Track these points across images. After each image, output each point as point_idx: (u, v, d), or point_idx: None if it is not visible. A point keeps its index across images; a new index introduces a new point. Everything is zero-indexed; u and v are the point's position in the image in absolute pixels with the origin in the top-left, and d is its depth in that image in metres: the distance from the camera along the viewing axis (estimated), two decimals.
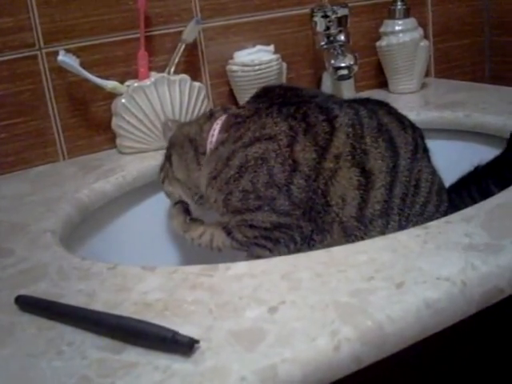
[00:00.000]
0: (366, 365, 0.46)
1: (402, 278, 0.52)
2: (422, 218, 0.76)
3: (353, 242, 0.72)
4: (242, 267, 0.58)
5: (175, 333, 0.45)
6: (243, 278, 0.55)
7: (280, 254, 0.74)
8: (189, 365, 0.43)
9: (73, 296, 0.56)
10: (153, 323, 0.47)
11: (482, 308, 0.52)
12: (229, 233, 0.76)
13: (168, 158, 0.86)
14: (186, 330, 0.46)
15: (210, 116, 0.83)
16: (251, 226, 0.74)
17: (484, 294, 0.51)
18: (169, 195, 0.87)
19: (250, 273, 0.56)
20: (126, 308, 0.52)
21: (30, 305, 0.54)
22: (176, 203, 0.85)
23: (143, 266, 0.60)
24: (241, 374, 0.42)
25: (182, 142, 0.84)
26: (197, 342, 0.45)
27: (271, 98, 0.80)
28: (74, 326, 0.50)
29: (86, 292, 0.56)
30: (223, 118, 0.81)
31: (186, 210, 0.83)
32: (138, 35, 1.05)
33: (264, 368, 0.43)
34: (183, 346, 0.44)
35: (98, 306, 0.53)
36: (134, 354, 0.45)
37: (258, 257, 0.79)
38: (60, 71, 1.00)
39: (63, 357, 0.46)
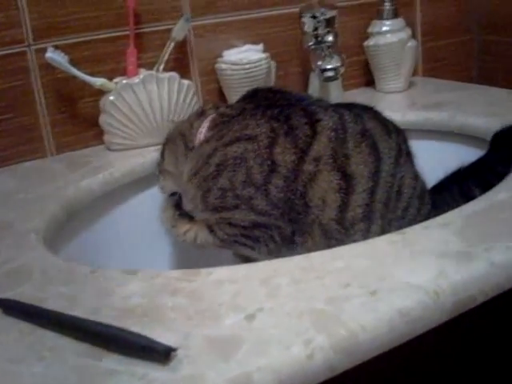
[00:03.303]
0: (339, 372, 0.47)
1: (376, 286, 0.54)
2: (404, 221, 0.78)
3: (334, 244, 0.73)
4: (223, 272, 0.59)
5: (152, 341, 0.46)
6: (224, 284, 0.57)
7: (261, 253, 0.76)
8: (166, 373, 0.45)
9: (55, 299, 0.57)
10: (131, 331, 0.48)
11: (454, 316, 0.54)
12: (211, 230, 0.78)
13: (162, 152, 0.88)
14: (164, 336, 0.48)
15: (201, 113, 0.85)
16: (230, 224, 0.75)
17: (456, 303, 0.53)
18: (162, 189, 0.88)
19: (231, 278, 0.58)
20: (107, 313, 0.53)
21: (12, 309, 0.55)
22: (170, 195, 0.86)
23: (125, 270, 0.61)
24: (216, 383, 0.43)
25: (175, 137, 0.86)
26: (174, 350, 0.46)
27: (259, 99, 0.82)
28: (56, 332, 0.51)
29: (69, 296, 0.57)
30: (213, 115, 0.82)
31: (177, 205, 0.84)
32: (127, 32, 1.05)
33: (239, 376, 0.44)
34: (160, 354, 0.45)
35: (80, 310, 0.54)
36: (112, 361, 0.46)
37: (242, 255, 0.82)
38: (49, 68, 1.00)
39: (44, 362, 0.48)
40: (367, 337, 0.48)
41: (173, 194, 0.85)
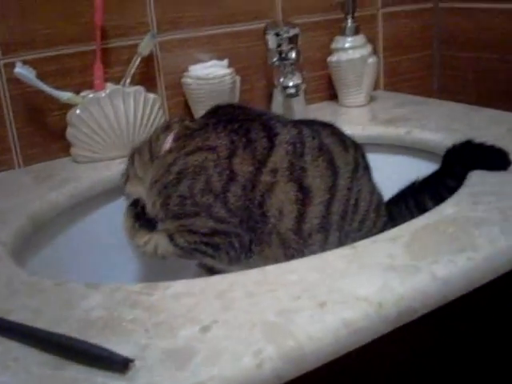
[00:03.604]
0: (286, 381, 0.51)
1: (325, 298, 0.57)
2: (361, 233, 0.81)
3: (292, 253, 0.77)
4: (180, 286, 0.62)
5: (112, 353, 0.49)
6: (181, 297, 0.59)
7: (222, 262, 0.79)
8: (124, 382, 0.47)
9: (20, 311, 0.59)
10: (92, 343, 0.51)
11: (397, 326, 0.57)
12: (171, 239, 0.79)
13: (131, 157, 0.89)
14: (123, 348, 0.51)
15: (167, 127, 0.87)
16: (190, 231, 0.77)
17: (399, 314, 0.57)
18: (129, 197, 0.89)
19: (188, 292, 0.60)
20: (70, 325, 0.56)
21: None
22: (130, 204, 0.87)
23: (88, 283, 0.63)
24: None
25: (143, 145, 0.88)
26: (131, 361, 0.49)
27: (220, 114, 0.85)
28: (20, 343, 0.54)
29: (33, 308, 0.60)
30: (177, 130, 0.85)
31: (137, 215, 0.85)
32: (94, 47, 1.07)
33: None
34: (118, 364, 0.48)
35: (44, 322, 0.56)
36: (74, 371, 0.49)
37: (207, 266, 0.84)
38: (17, 82, 1.02)
39: (9, 372, 0.50)
40: (313, 347, 0.51)
41: (133, 203, 0.86)
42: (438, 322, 0.68)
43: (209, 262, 0.81)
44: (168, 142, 0.83)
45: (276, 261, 0.76)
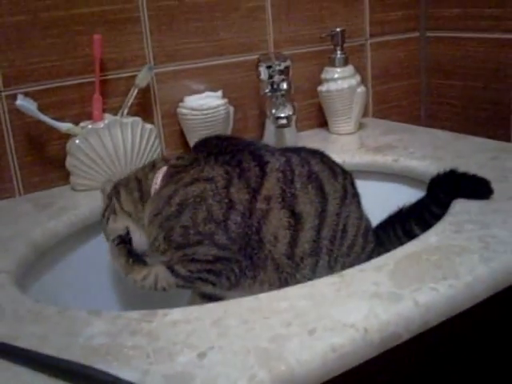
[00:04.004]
0: None
1: (314, 325, 0.61)
2: (349, 258, 0.85)
3: (285, 277, 0.80)
4: (178, 313, 0.65)
5: (116, 377, 0.53)
6: (178, 324, 0.63)
7: (222, 287, 0.81)
8: None
9: (27, 338, 0.62)
10: (97, 368, 0.54)
11: (382, 351, 0.61)
12: (172, 270, 0.81)
13: (116, 193, 0.90)
14: (125, 373, 0.54)
15: (153, 166, 0.90)
16: (193, 260, 0.80)
17: (383, 339, 0.60)
18: (111, 234, 0.89)
19: (185, 319, 0.64)
20: (74, 351, 0.59)
21: None
22: (118, 243, 0.87)
23: (90, 311, 0.67)
24: None
25: (128, 180, 0.90)
26: None
27: (209, 148, 0.87)
28: (29, 368, 0.57)
29: (39, 335, 0.63)
30: (164, 168, 0.87)
31: (129, 251, 0.86)
32: (93, 79, 1.12)
33: None
34: None
35: (50, 348, 0.60)
36: None
37: (204, 293, 0.87)
38: (18, 112, 1.06)
39: None
40: (303, 371, 0.55)
41: (121, 240, 0.87)
42: (423, 347, 0.72)
43: (209, 289, 0.83)
44: (158, 181, 0.86)
45: (270, 285, 0.80)
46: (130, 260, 0.85)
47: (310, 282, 0.71)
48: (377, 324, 0.61)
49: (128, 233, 0.88)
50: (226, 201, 0.80)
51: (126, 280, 0.85)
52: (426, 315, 0.64)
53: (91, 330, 0.63)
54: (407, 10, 1.54)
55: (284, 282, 0.81)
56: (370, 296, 0.65)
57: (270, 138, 1.24)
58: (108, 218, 0.90)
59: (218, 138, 0.92)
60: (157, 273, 0.82)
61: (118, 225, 0.89)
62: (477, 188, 0.92)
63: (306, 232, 0.81)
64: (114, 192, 0.91)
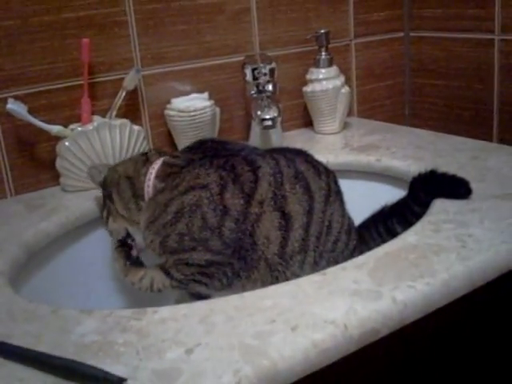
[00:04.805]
0: None
1: (297, 322, 0.64)
2: (334, 254, 0.87)
3: (277, 275, 0.83)
4: (166, 311, 0.68)
5: (107, 373, 0.55)
6: (167, 322, 0.66)
7: (215, 289, 0.84)
8: None
9: (21, 337, 0.65)
10: (88, 364, 0.57)
11: (362, 346, 0.64)
12: (167, 273, 0.85)
13: (109, 196, 0.92)
14: (116, 369, 0.57)
15: (146, 160, 0.91)
16: (187, 264, 0.83)
17: (362, 335, 0.63)
18: (113, 233, 0.93)
19: (173, 317, 0.67)
20: (67, 349, 0.62)
21: None
22: (117, 246, 0.91)
23: (82, 310, 0.70)
24: None
25: (119, 180, 0.92)
26: (125, 380, 0.55)
27: (204, 150, 0.90)
28: (24, 365, 0.60)
29: (33, 333, 0.66)
30: (158, 162, 0.89)
31: (127, 254, 0.90)
32: (81, 82, 1.14)
33: None
34: (113, 383, 0.54)
35: (44, 346, 0.62)
36: None
37: (196, 293, 0.89)
38: (9, 116, 1.08)
39: None
40: (285, 366, 0.58)
41: (120, 244, 0.91)
42: (400, 343, 0.75)
43: (202, 290, 0.86)
44: (151, 178, 0.87)
45: (263, 283, 0.83)
46: (128, 263, 0.89)
47: (293, 281, 0.74)
48: (356, 320, 0.63)
49: (128, 234, 0.91)
50: (221, 207, 0.82)
51: (124, 281, 0.89)
52: (404, 312, 0.67)
53: (83, 328, 0.66)
54: (391, 11, 1.57)
55: (275, 280, 0.83)
56: (350, 293, 0.68)
57: (255, 139, 1.27)
58: (107, 218, 0.93)
59: (212, 141, 0.94)
60: (153, 275, 0.86)
61: (118, 225, 0.92)
62: (456, 188, 0.95)
63: (296, 231, 0.83)
64: (107, 194, 0.93)
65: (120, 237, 0.92)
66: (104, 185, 0.94)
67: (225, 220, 0.81)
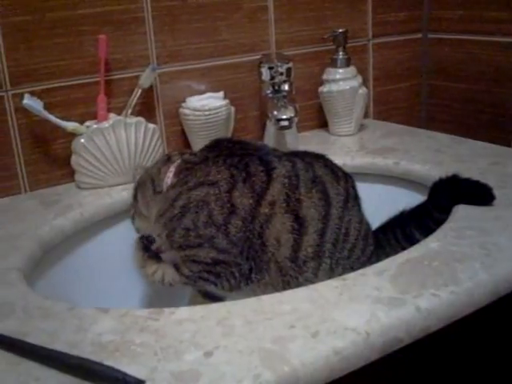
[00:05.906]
0: None
1: (317, 328, 0.62)
2: (350, 260, 0.86)
3: (288, 280, 0.82)
4: (184, 312, 0.67)
5: (125, 374, 0.54)
6: (184, 323, 0.65)
7: (224, 289, 0.84)
8: None
9: (37, 334, 0.64)
10: (106, 365, 0.56)
11: (383, 355, 0.62)
12: (177, 268, 0.85)
13: (135, 196, 0.95)
14: (133, 370, 0.56)
15: (167, 159, 0.92)
16: (194, 261, 0.83)
17: (385, 343, 0.62)
18: (137, 230, 0.95)
19: (191, 318, 0.66)
20: (84, 348, 0.61)
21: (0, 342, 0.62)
22: (139, 238, 0.92)
23: (97, 308, 0.69)
24: None
25: (145, 181, 0.93)
26: (143, 382, 0.54)
27: (220, 149, 0.90)
28: (40, 363, 0.59)
29: (49, 331, 0.65)
30: (178, 162, 0.90)
31: (145, 247, 0.90)
32: (98, 79, 1.13)
33: None
34: None
35: (60, 345, 0.61)
36: None
37: (210, 293, 0.89)
38: (25, 111, 1.07)
39: None
40: (306, 373, 0.57)
41: (142, 237, 0.92)
42: (423, 352, 0.73)
43: (212, 289, 0.86)
44: (169, 177, 0.88)
45: (274, 287, 0.82)
46: (145, 255, 0.90)
47: (312, 286, 0.73)
48: (379, 328, 0.62)
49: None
50: (228, 205, 0.81)
51: (140, 272, 0.90)
52: (428, 320, 0.65)
53: (99, 326, 0.65)
54: (410, 11, 1.55)
55: (287, 285, 0.82)
56: (371, 300, 0.67)
57: (270, 139, 1.25)
58: (134, 218, 0.95)
59: (229, 140, 0.95)
60: (164, 270, 0.87)
61: (140, 225, 0.94)
62: (479, 194, 0.93)
63: (310, 236, 0.82)
64: (134, 192, 0.95)
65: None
66: (136, 184, 0.96)
67: (231, 218, 0.81)
